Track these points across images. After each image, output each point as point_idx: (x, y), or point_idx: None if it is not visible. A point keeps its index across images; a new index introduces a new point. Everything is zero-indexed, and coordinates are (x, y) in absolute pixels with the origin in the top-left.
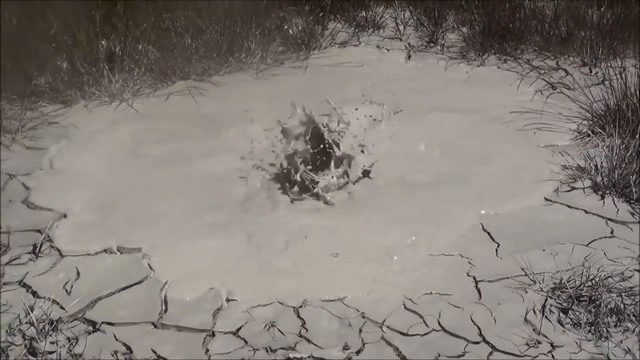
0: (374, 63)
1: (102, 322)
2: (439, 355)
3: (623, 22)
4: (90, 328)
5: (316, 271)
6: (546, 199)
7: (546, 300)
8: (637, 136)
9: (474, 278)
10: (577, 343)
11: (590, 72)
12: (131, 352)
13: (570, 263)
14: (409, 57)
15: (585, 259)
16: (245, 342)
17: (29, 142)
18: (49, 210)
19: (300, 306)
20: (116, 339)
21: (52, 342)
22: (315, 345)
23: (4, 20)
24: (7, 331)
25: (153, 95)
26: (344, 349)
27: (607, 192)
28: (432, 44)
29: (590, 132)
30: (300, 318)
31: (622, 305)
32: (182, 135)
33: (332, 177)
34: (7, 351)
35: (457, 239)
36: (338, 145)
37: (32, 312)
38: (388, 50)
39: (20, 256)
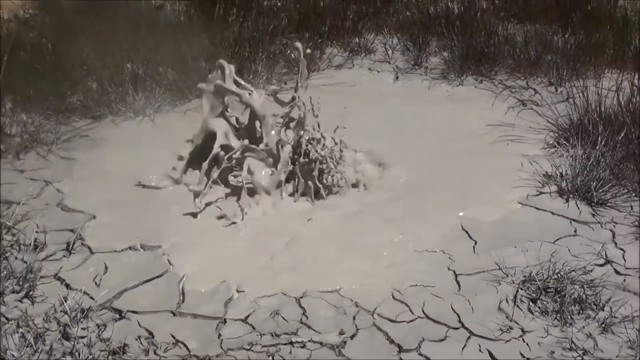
0: (366, 83)
1: (127, 311)
2: (423, 340)
3: (584, 47)
4: (117, 316)
5: (315, 266)
6: (518, 202)
7: (517, 291)
8: (597, 147)
9: (454, 272)
10: (544, 329)
11: (556, 90)
12: (153, 336)
13: (538, 259)
14: (397, 77)
15: (551, 255)
16: (253, 328)
17: (63, 153)
18: (80, 212)
19: (301, 297)
20: (140, 325)
21: (83, 328)
22: (315, 330)
23: (42, 47)
24: (43, 318)
25: (172, 112)
26: (339, 333)
27: (571, 196)
28: (417, 67)
29: (556, 144)
30: (301, 307)
31: (584, 296)
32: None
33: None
34: (45, 336)
35: (439, 237)
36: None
37: (65, 302)
38: (378, 72)
39: (56, 253)
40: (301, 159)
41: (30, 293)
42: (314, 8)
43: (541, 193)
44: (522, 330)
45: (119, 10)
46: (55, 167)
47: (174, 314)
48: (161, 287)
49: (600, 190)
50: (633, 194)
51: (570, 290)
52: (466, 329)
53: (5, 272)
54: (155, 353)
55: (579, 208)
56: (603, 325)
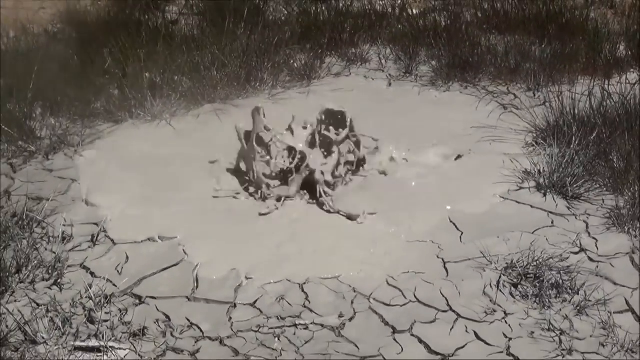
0: (362, 89)
1: (147, 297)
2: (415, 322)
3: (560, 56)
4: (137, 301)
5: (316, 255)
6: (500, 197)
7: (500, 277)
8: (572, 146)
9: (443, 260)
10: (525, 311)
11: (534, 95)
12: (170, 320)
13: (519, 247)
14: (390, 84)
15: (531, 244)
16: (261, 311)
17: (88, 153)
18: (103, 207)
19: (304, 283)
20: (158, 310)
21: (106, 313)
22: (317, 314)
23: (69, 58)
24: (70, 304)
25: (187, 116)
26: (339, 316)
27: (548, 191)
28: (408, 74)
29: (534, 143)
30: (304, 292)
31: (561, 281)
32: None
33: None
34: (71, 320)
35: (429, 228)
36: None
37: (90, 288)
38: (373, 79)
39: (81, 244)
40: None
41: (59, 281)
42: (315, 22)
43: (521, 188)
44: (505, 312)
45: (138, 24)
46: (81, 166)
47: (188, 300)
48: (177, 274)
49: (575, 186)
50: (604, 189)
51: (548, 276)
52: (454, 311)
53: (36, 262)
54: (171, 335)
55: (555, 202)
56: (578, 308)
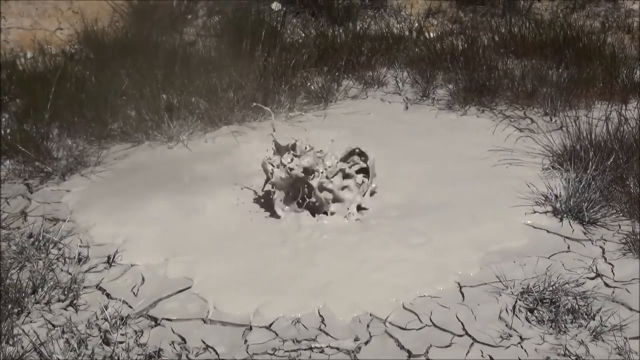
0: (379, 111)
1: (162, 318)
2: (431, 346)
3: (576, 80)
4: (153, 323)
5: (333, 279)
6: (516, 221)
7: (516, 302)
8: (588, 171)
9: (459, 284)
10: (541, 336)
11: (551, 120)
12: (185, 342)
13: (535, 272)
14: (407, 107)
15: (547, 269)
16: (276, 334)
17: (104, 174)
18: (120, 228)
19: (320, 306)
20: (173, 332)
21: (122, 334)
22: (332, 337)
23: (86, 79)
24: (86, 325)
25: (203, 137)
26: (354, 340)
27: (565, 215)
28: (425, 98)
29: (551, 168)
30: (320, 315)
31: (577, 306)
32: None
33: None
34: (87, 341)
35: (445, 251)
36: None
37: (106, 310)
38: (390, 102)
39: (97, 265)
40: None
41: (74, 302)
42: (332, 44)
43: (538, 212)
44: (521, 337)
45: (156, 45)
46: (98, 188)
47: (204, 322)
48: (192, 296)
49: (591, 211)
50: (621, 214)
51: (564, 301)
52: (470, 336)
53: (51, 283)
54: (187, 357)
55: (572, 226)
56: (594, 334)
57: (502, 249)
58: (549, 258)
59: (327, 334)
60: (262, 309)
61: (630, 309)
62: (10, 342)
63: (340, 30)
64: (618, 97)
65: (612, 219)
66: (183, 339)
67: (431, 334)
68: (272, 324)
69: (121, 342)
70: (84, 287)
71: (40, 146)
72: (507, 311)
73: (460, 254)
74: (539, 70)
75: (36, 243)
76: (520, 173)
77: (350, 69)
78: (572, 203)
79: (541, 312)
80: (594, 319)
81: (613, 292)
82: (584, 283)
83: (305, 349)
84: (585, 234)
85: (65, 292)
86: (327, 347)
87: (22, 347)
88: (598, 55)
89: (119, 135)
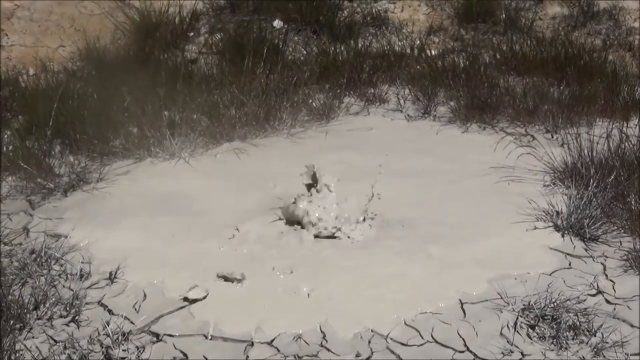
0: (380, 128)
1: (164, 334)
2: None
3: (578, 98)
4: (155, 339)
5: (335, 295)
6: (517, 238)
7: (517, 318)
8: (589, 188)
9: (460, 300)
10: (542, 353)
11: (552, 137)
12: (187, 358)
13: (536, 289)
14: (408, 124)
15: (548, 285)
16: (278, 350)
17: (106, 190)
18: (121, 244)
19: (322, 322)
20: (175, 348)
21: (124, 350)
22: (334, 353)
23: (88, 96)
24: (88, 341)
25: (205, 154)
26: (356, 356)
27: (566, 232)
28: (426, 115)
29: (552, 185)
30: (322, 331)
31: (578, 323)
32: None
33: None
34: (89, 357)
35: (445, 268)
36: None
37: (108, 326)
38: (392, 119)
39: (99, 281)
40: None
41: (76, 318)
42: (334, 62)
43: (539, 229)
44: (522, 354)
45: (158, 62)
46: (99, 204)
47: (205, 337)
48: (194, 312)
49: (593, 227)
50: (622, 231)
51: (565, 317)
52: (471, 352)
53: (53, 299)
54: None
55: (573, 243)
56: (595, 350)
57: (503, 265)
58: (550, 274)
59: (328, 349)
60: (264, 324)
61: (632, 326)
62: (13, 358)
63: (342, 48)
64: (619, 115)
65: (613, 235)
66: (185, 354)
67: (433, 350)
68: (273, 339)
69: (123, 358)
70: (86, 303)
71: (42, 163)
72: (508, 327)
73: (462, 271)
74: (540, 87)
75: (38, 259)
76: (522, 190)
77: (351, 86)
78: (573, 220)
79: (542, 329)
80: (595, 336)
81: (614, 308)
82: (585, 300)
83: None
84: (586, 250)
85: (67, 308)
86: None
87: None
88: (599, 72)
89: (120, 151)
